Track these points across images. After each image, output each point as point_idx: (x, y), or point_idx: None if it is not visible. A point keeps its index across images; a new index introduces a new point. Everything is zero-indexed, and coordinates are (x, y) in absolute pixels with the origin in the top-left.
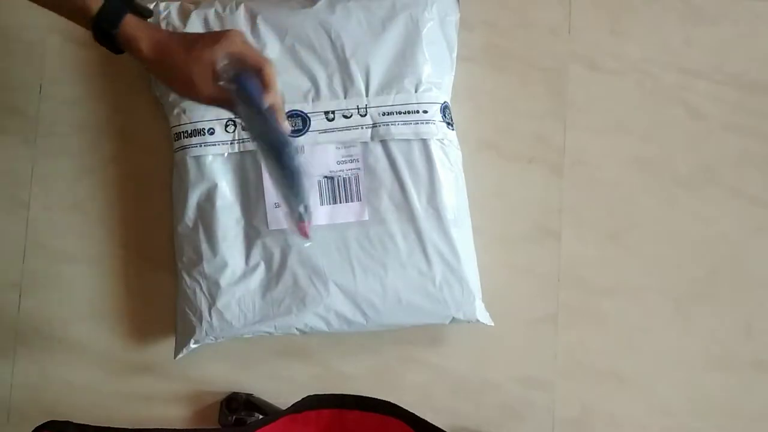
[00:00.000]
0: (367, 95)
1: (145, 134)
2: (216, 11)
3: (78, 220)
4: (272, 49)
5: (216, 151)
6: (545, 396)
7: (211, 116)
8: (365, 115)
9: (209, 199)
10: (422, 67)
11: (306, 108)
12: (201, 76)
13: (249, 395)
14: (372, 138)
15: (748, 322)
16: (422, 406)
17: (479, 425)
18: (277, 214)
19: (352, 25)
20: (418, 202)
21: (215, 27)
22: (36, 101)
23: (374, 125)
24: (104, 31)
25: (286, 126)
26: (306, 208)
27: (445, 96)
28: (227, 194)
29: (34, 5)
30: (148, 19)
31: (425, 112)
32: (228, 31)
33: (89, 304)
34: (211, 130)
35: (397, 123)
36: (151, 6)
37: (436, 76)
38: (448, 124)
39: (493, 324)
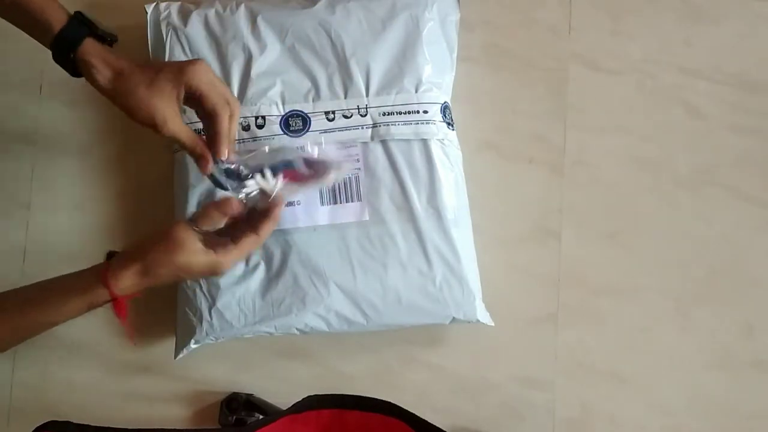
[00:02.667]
0: (367, 95)
1: (145, 134)
2: (216, 11)
3: (78, 220)
4: (272, 49)
5: None
6: (545, 396)
7: None
8: (365, 115)
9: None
10: (422, 67)
11: (306, 108)
12: (163, 112)
13: (249, 395)
14: (372, 138)
15: (748, 322)
16: (422, 406)
17: (479, 425)
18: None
19: (352, 25)
20: (419, 202)
21: (215, 27)
22: (36, 101)
23: (374, 125)
24: (63, 54)
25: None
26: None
27: (446, 96)
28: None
29: None
30: (113, 45)
31: (425, 112)
32: (194, 61)
33: None
34: None
35: (397, 123)
36: (151, 7)
37: (437, 76)
38: (449, 124)
39: (493, 324)
